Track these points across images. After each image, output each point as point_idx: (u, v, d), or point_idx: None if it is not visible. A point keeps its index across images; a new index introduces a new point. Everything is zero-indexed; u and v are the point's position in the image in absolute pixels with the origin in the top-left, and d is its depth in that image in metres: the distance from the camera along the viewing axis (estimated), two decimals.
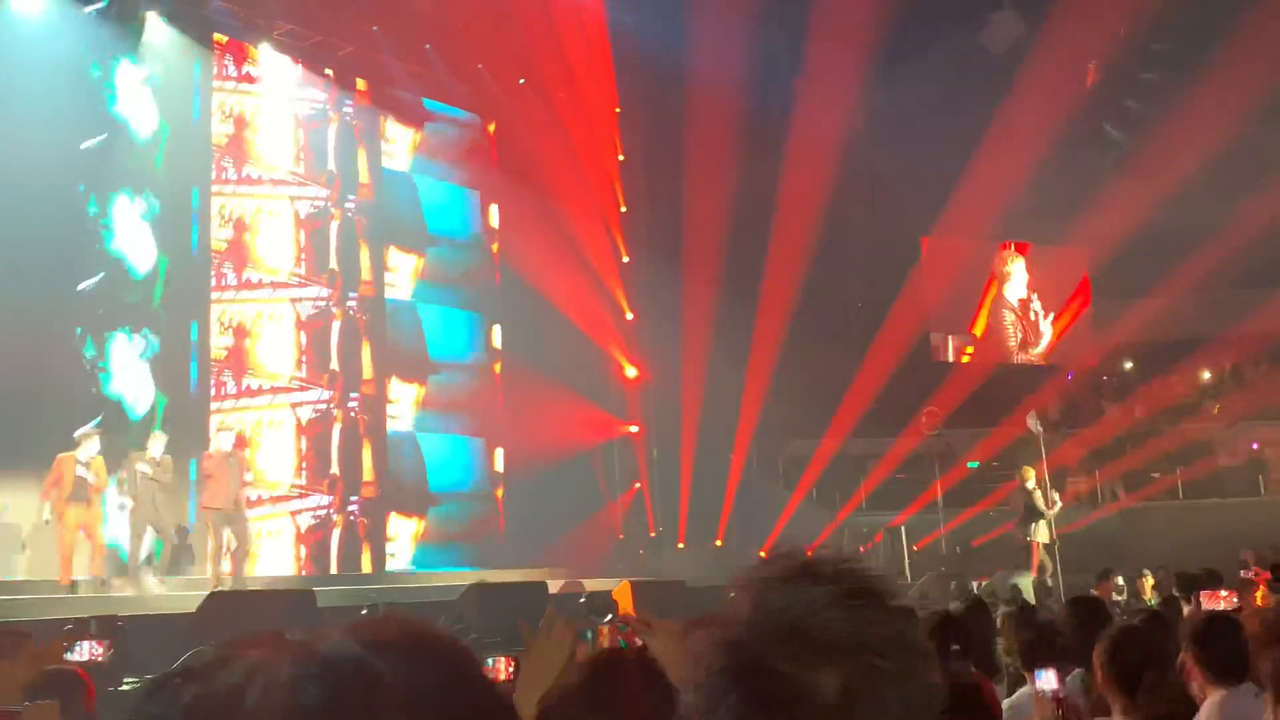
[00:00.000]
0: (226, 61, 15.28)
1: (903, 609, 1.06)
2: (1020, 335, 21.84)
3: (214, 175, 14.88)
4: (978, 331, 21.65)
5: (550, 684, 2.58)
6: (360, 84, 16.73)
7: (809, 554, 1.06)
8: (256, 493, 14.34)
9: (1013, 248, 21.84)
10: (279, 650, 0.80)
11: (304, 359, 15.57)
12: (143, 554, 12.06)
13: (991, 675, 4.57)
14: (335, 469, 15.71)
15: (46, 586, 11.56)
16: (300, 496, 15.26)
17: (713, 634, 1.03)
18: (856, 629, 0.99)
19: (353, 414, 15.93)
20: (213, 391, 14.52)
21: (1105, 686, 3.61)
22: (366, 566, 15.77)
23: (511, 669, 3.16)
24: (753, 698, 0.98)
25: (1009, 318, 21.75)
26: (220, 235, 14.91)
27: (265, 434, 15.01)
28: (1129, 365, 20.90)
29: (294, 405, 15.33)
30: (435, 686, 0.82)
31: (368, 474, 16.10)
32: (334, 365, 15.85)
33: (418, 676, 0.81)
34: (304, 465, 15.42)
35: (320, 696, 0.76)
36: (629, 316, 19.35)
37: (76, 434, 11.73)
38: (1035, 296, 21.85)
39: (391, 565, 16.05)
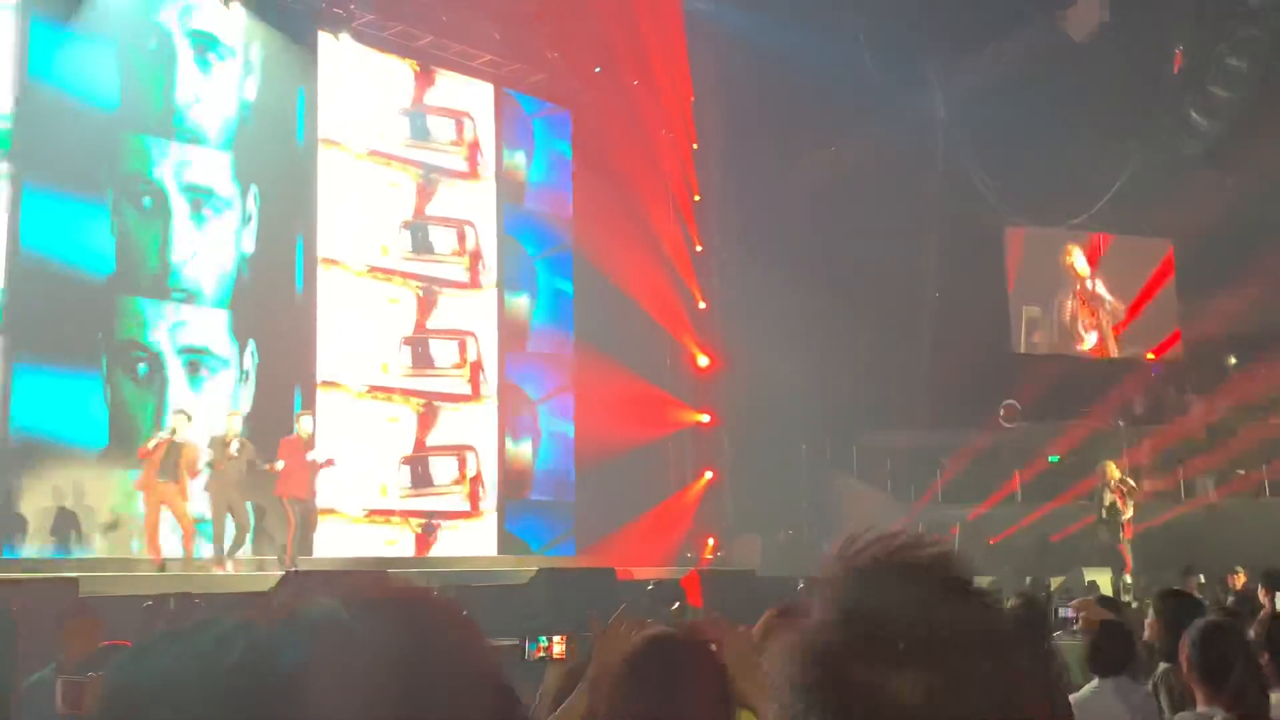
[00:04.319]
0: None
1: (997, 604, 0.98)
2: (1101, 328, 21.40)
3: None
4: (1059, 324, 21.26)
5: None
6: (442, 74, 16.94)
7: (898, 542, 0.98)
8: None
9: (1087, 240, 21.40)
10: (263, 612, 0.81)
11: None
12: (226, 534, 12.33)
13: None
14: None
15: (134, 564, 11.93)
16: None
17: (793, 641, 0.97)
18: (945, 629, 0.92)
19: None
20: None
21: (1191, 680, 3.60)
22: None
23: (562, 647, 3.22)
24: (830, 710, 0.92)
25: (1073, 310, 21.33)
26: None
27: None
28: (1215, 358, 20.37)
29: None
30: (418, 649, 0.81)
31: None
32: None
33: (401, 639, 0.81)
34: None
35: (296, 657, 0.77)
36: (701, 306, 19.32)
37: (174, 410, 12.06)
38: (1114, 289, 21.39)
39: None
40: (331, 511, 14.38)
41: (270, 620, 0.80)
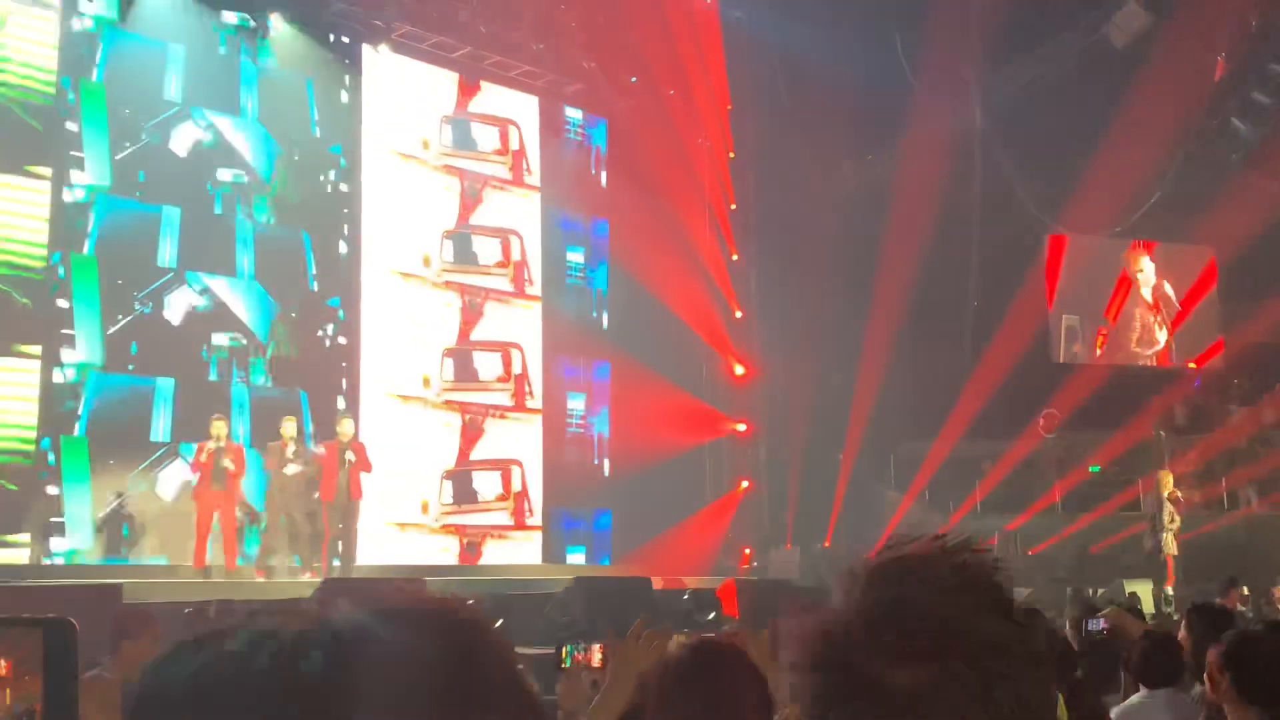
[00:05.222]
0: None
1: (1020, 608, 0.98)
2: (1153, 334, 21.12)
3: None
4: (1139, 334, 20.97)
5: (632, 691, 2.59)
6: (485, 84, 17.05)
7: (929, 544, 1.00)
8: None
9: (1141, 245, 21.14)
10: (291, 618, 0.83)
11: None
12: (279, 540, 12.44)
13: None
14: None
15: (178, 570, 12.05)
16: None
17: (810, 622, 1.00)
18: (949, 629, 0.93)
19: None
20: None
21: (1220, 695, 3.46)
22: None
23: (600, 656, 3.22)
24: (832, 693, 0.95)
25: (1141, 317, 21.05)
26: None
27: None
28: (1259, 367, 20.07)
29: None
30: (442, 656, 0.83)
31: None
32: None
33: (425, 646, 0.82)
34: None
35: (322, 663, 0.78)
36: (738, 315, 19.27)
37: (214, 418, 12.21)
38: (1169, 295, 21.11)
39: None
40: (377, 520, 14.43)
41: (296, 626, 0.81)
